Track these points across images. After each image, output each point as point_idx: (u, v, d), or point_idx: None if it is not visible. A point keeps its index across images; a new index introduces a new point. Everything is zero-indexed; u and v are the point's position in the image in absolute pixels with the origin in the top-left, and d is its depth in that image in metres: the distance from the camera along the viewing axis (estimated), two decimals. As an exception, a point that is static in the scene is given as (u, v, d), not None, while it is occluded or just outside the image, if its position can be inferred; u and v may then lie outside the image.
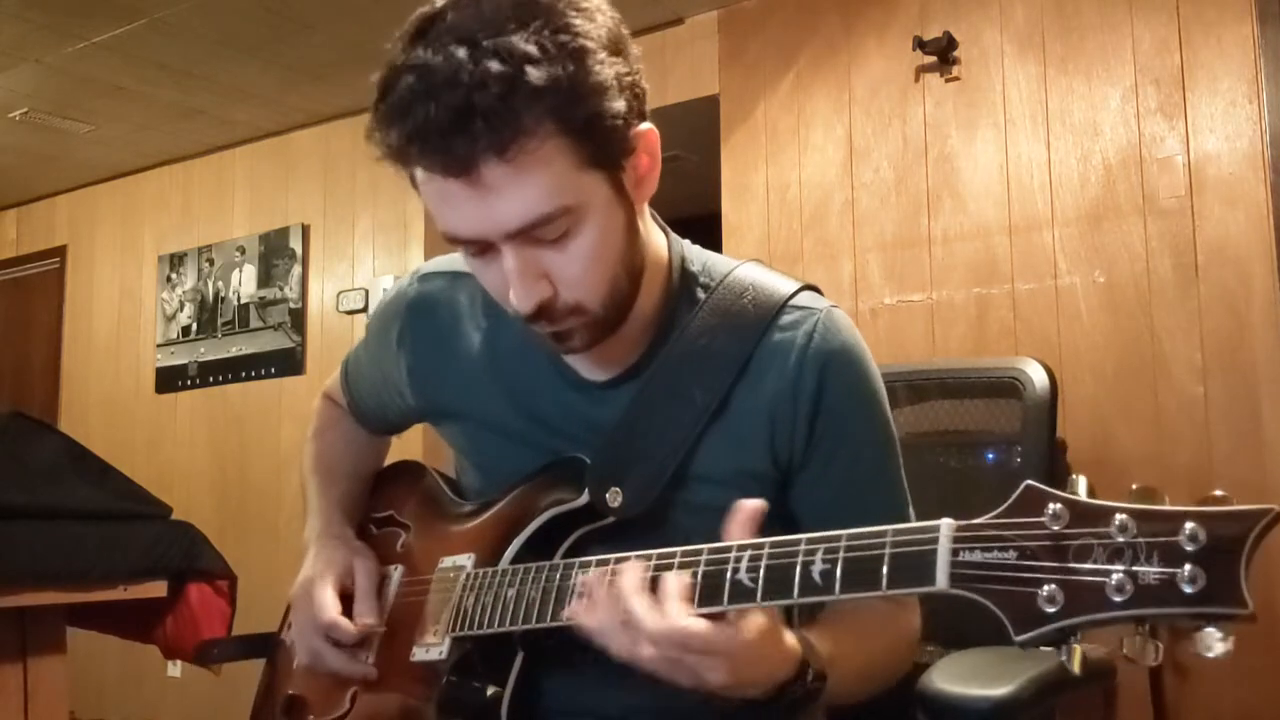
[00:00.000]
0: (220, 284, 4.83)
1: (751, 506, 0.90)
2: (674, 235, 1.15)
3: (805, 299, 1.11)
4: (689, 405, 1.06)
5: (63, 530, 1.94)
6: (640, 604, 0.87)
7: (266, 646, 1.34)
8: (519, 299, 0.97)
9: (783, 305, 1.09)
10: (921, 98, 3.25)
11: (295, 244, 4.63)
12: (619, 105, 0.94)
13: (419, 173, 0.95)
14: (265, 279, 4.70)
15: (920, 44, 3.18)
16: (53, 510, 1.96)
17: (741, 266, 1.14)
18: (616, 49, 0.96)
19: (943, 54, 3.18)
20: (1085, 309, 2.94)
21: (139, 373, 5.07)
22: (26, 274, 5.63)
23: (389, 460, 1.42)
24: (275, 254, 4.68)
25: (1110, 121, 2.95)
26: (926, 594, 0.76)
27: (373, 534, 1.29)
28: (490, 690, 1.05)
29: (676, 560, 0.90)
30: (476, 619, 1.05)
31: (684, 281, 1.12)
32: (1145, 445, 2.80)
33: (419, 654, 1.10)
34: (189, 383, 4.87)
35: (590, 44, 0.92)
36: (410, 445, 1.44)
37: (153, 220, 5.15)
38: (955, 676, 1.19)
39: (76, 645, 2.16)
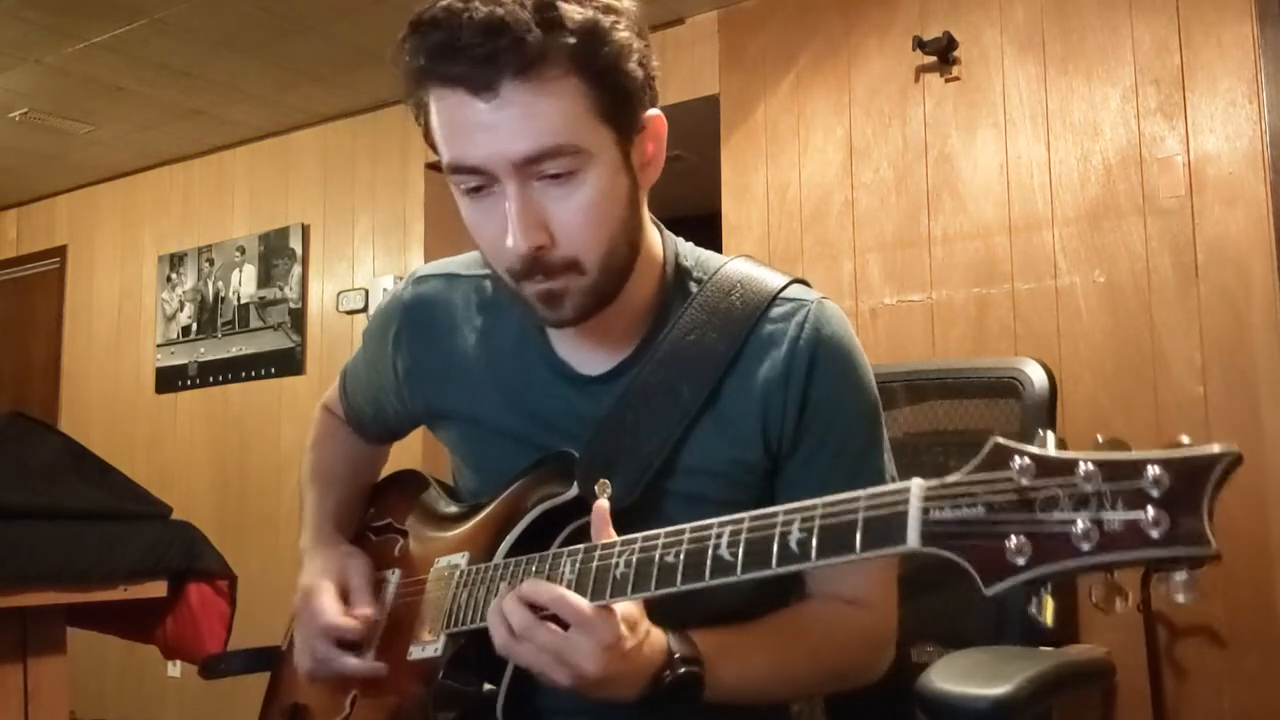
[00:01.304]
0: (220, 284, 4.83)
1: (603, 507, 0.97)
2: (668, 232, 1.16)
3: (796, 291, 1.13)
4: (679, 399, 1.07)
5: (63, 530, 1.94)
6: (520, 611, 0.93)
7: (272, 660, 1.35)
8: (516, 237, 0.97)
9: (773, 298, 1.11)
10: (921, 98, 3.25)
11: (295, 244, 4.63)
12: (637, 72, 0.99)
13: (434, 99, 0.98)
14: (265, 279, 4.70)
15: (920, 44, 3.18)
16: (53, 510, 1.96)
17: (732, 262, 1.15)
18: (639, 31, 1.01)
19: (943, 54, 3.18)
20: (1085, 309, 2.94)
21: (139, 373, 5.07)
22: (26, 274, 5.63)
23: (388, 470, 1.43)
24: (275, 254, 4.68)
25: (1110, 121, 2.95)
26: (900, 553, 0.77)
27: (371, 541, 1.30)
28: (486, 687, 1.05)
29: (660, 541, 0.91)
30: (469, 614, 1.05)
31: (678, 276, 1.14)
32: (1145, 445, 2.78)
33: (415, 653, 1.10)
34: (189, 383, 4.88)
35: (621, 7, 0.99)
36: (410, 451, 1.44)
37: (153, 220, 5.15)
38: (954, 676, 1.19)
39: (76, 645, 2.16)
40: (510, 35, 0.92)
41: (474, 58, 0.93)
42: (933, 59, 3.21)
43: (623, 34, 0.98)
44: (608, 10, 0.98)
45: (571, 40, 0.94)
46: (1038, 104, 3.06)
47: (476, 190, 1.00)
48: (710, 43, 3.68)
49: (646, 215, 1.11)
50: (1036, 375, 1.62)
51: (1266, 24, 2.77)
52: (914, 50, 3.20)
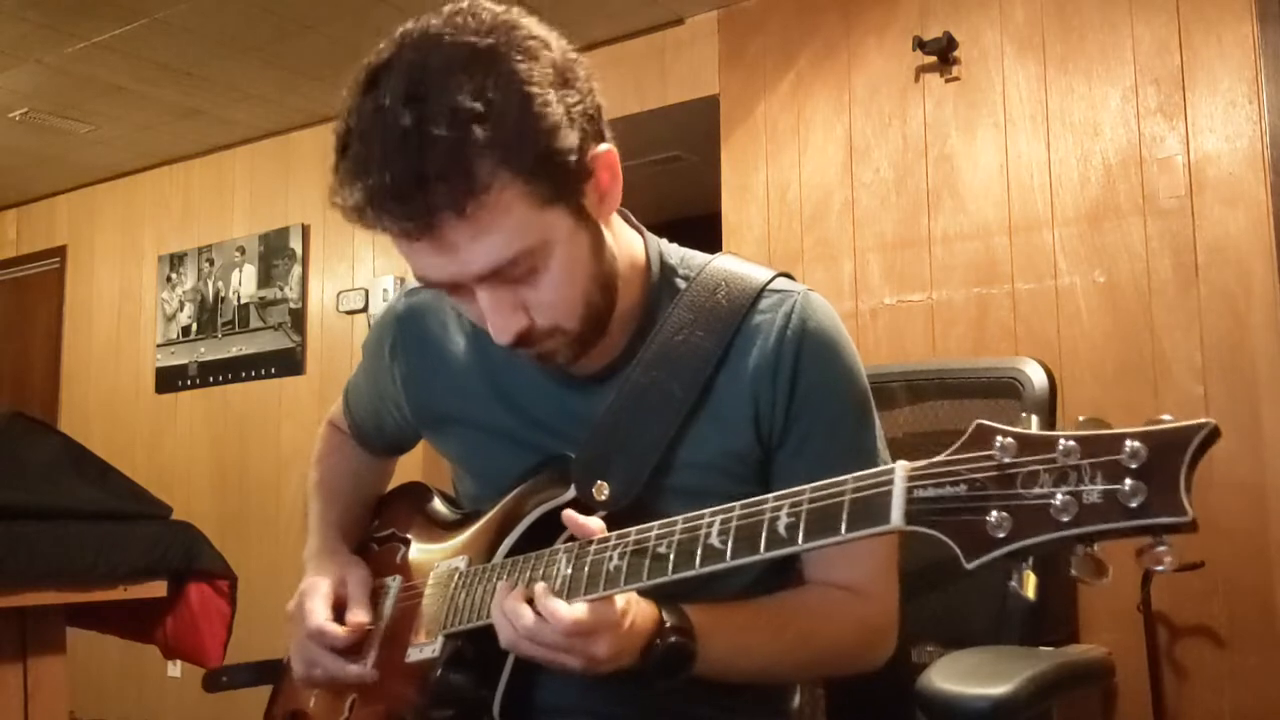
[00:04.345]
0: (220, 284, 4.83)
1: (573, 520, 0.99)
2: (648, 232, 1.17)
3: (781, 284, 1.14)
4: (671, 397, 1.08)
5: (63, 530, 1.94)
6: (525, 611, 0.94)
7: (274, 673, 1.35)
8: (497, 333, 1.00)
9: (760, 291, 1.12)
10: (921, 98, 3.26)
11: (295, 244, 4.63)
12: (571, 140, 0.95)
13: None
14: (265, 279, 4.70)
15: (920, 44, 3.18)
16: (53, 510, 1.96)
17: (717, 259, 1.16)
18: (564, 81, 0.96)
19: (943, 54, 3.18)
20: (1085, 309, 2.94)
21: (139, 373, 5.07)
22: (26, 274, 5.63)
23: (393, 485, 1.44)
24: (275, 254, 4.68)
25: (1110, 121, 2.95)
26: (885, 532, 0.78)
27: (374, 551, 1.31)
28: (483, 687, 1.05)
29: (653, 534, 0.92)
30: (467, 615, 1.06)
31: (664, 274, 1.15)
32: (1145, 445, 2.79)
33: (413, 654, 1.11)
34: (189, 383, 4.88)
35: (535, 89, 0.93)
36: (412, 462, 1.45)
37: (153, 220, 5.15)
38: (954, 676, 1.19)
39: (76, 645, 2.16)
40: (435, 182, 0.89)
41: (406, 213, 0.91)
42: (933, 59, 3.21)
43: (547, 116, 0.93)
44: (525, 99, 0.92)
45: (495, 156, 0.90)
46: (1038, 104, 3.06)
47: (453, 291, 1.02)
48: (710, 43, 3.68)
49: (620, 228, 1.11)
50: (1036, 375, 1.62)
51: (1266, 24, 2.77)
52: (914, 50, 3.20)
